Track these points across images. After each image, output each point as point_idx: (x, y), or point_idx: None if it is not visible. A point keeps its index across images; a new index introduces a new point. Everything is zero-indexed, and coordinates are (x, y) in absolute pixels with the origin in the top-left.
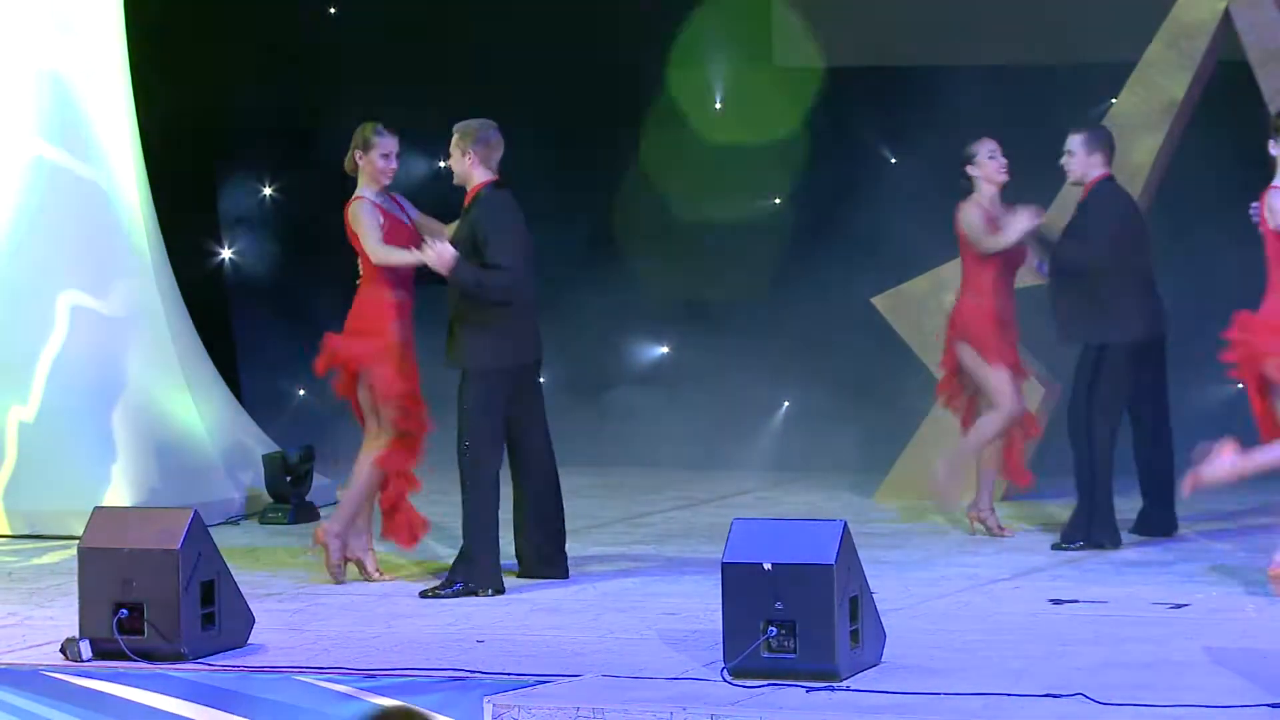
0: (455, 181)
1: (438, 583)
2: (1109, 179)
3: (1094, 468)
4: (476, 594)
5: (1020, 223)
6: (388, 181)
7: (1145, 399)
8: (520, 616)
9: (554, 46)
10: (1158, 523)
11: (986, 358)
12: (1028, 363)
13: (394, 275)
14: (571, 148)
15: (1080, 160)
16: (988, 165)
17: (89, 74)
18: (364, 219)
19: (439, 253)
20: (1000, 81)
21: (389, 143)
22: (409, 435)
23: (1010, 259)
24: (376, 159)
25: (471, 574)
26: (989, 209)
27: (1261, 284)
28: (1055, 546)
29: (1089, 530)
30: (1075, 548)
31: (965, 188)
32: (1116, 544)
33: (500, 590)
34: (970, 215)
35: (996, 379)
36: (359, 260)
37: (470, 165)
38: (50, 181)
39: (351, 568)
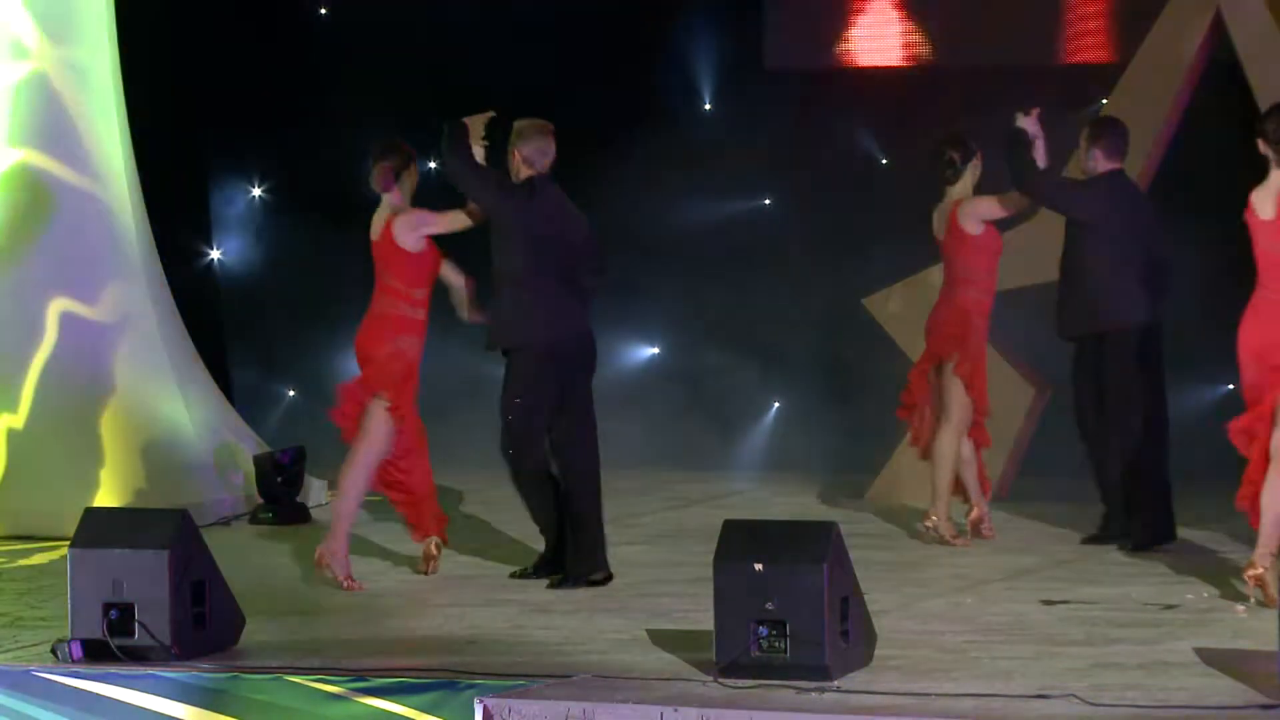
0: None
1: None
2: (1114, 174)
3: (1133, 464)
4: (596, 583)
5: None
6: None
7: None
8: (511, 617)
9: (547, 47)
10: (1161, 529)
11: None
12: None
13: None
14: (565, 147)
15: (1081, 154)
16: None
17: (79, 79)
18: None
19: None
20: (995, 82)
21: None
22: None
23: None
24: (416, 175)
25: (579, 565)
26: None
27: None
28: (1135, 549)
29: (1159, 528)
30: (1166, 547)
31: (950, 177)
32: (1172, 536)
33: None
34: (981, 202)
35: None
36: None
37: (519, 162)
38: (40, 188)
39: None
